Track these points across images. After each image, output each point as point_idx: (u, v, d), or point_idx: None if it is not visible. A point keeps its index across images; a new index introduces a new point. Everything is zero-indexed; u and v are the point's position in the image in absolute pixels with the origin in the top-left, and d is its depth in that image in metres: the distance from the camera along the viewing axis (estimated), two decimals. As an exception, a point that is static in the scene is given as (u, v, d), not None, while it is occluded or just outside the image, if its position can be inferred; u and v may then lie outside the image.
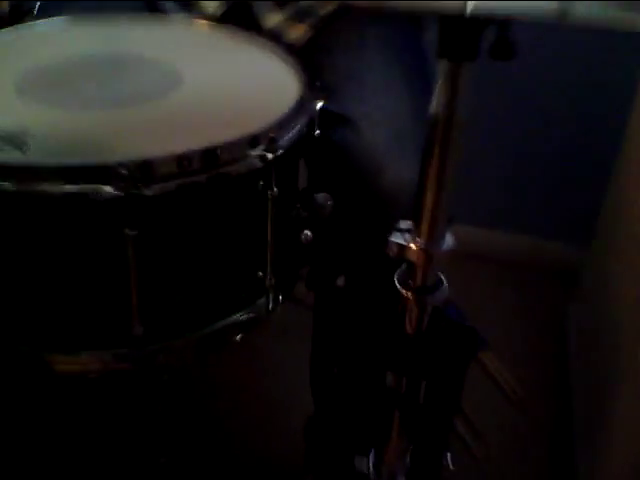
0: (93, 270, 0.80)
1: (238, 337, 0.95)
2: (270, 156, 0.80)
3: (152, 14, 1.16)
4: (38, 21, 1.08)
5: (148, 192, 0.74)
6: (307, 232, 0.91)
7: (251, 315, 0.93)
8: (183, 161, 0.75)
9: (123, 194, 0.72)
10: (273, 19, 1.13)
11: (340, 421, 1.08)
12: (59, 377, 0.95)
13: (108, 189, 0.72)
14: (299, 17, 1.12)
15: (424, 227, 0.74)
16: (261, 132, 0.80)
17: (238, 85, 0.96)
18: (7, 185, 0.71)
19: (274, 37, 1.09)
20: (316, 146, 0.94)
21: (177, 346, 0.88)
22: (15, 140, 0.74)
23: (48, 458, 1.31)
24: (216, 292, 0.89)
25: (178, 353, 0.90)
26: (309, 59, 1.01)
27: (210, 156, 0.77)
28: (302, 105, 0.89)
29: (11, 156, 0.73)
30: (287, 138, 0.84)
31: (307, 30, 1.13)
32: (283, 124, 0.84)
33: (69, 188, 0.71)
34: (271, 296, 0.93)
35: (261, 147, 0.80)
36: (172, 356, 0.90)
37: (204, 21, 1.12)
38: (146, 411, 1.28)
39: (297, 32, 1.14)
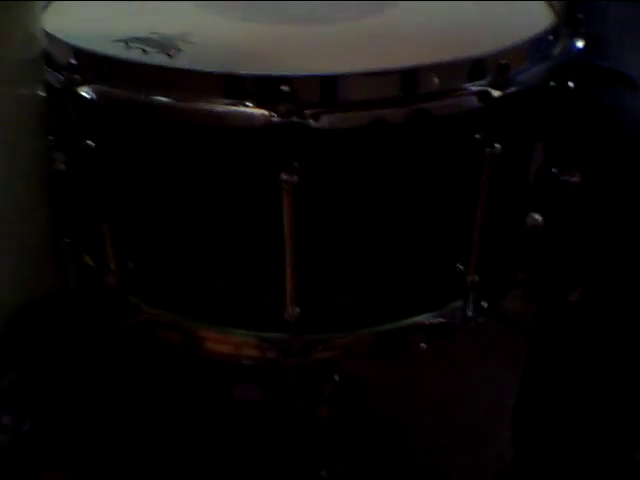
0: (240, 222, 0.63)
1: (422, 345, 0.72)
2: (497, 94, 0.55)
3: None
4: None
5: (316, 124, 0.53)
6: (536, 217, 0.64)
7: (442, 320, 0.71)
8: (367, 83, 0.54)
9: (280, 122, 0.52)
10: None
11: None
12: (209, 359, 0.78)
13: (260, 113, 0.52)
14: None
15: None
16: (487, 57, 0.56)
17: (464, 12, 0.72)
18: (141, 95, 0.55)
19: None
20: (568, 102, 0.67)
21: (342, 341, 0.69)
22: (165, 44, 0.59)
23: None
24: (398, 280, 0.68)
25: (342, 350, 0.70)
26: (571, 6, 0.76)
27: (408, 82, 0.54)
28: (554, 37, 0.63)
29: (155, 59, 0.57)
30: (526, 74, 0.59)
31: None
32: (522, 52, 0.59)
33: (205, 105, 0.54)
34: (471, 299, 0.70)
35: (485, 80, 0.56)
36: (334, 352, 0.70)
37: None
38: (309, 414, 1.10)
39: None
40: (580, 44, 0.66)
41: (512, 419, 0.99)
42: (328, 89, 0.55)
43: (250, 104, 0.54)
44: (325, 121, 0.54)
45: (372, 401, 1.29)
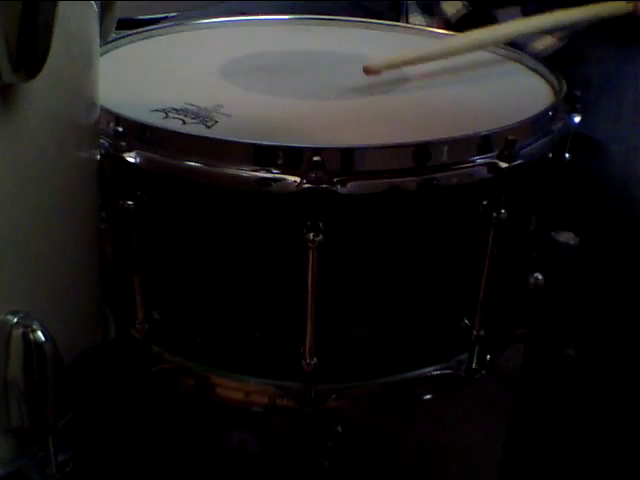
0: (265, 278, 0.67)
1: (427, 396, 0.76)
2: (504, 165, 0.61)
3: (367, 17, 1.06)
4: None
5: (342, 189, 0.59)
6: (539, 277, 0.70)
7: (447, 372, 0.75)
8: (390, 155, 0.60)
9: (311, 188, 0.58)
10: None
11: None
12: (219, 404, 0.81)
13: (292, 180, 0.58)
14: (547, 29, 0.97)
15: None
16: (495, 133, 0.62)
17: (470, 89, 0.79)
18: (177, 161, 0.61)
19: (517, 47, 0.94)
20: (562, 171, 0.74)
21: (354, 391, 0.73)
22: (203, 115, 0.64)
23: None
24: (409, 334, 0.72)
25: (353, 400, 0.74)
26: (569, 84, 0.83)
27: (422, 154, 0.60)
28: (553, 113, 0.70)
29: (194, 129, 0.63)
30: (529, 148, 0.65)
31: (556, 41, 0.98)
32: (525, 129, 0.65)
33: (243, 172, 0.59)
34: (477, 352, 0.74)
35: (493, 153, 0.62)
36: (346, 402, 0.73)
37: (431, 28, 1.01)
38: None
39: (544, 43, 0.99)
40: (577, 119, 0.73)
41: (499, 471, 1.01)
42: (351, 159, 0.60)
43: (277, 171, 0.60)
44: (350, 187, 0.59)
45: (368, 453, 1.30)
